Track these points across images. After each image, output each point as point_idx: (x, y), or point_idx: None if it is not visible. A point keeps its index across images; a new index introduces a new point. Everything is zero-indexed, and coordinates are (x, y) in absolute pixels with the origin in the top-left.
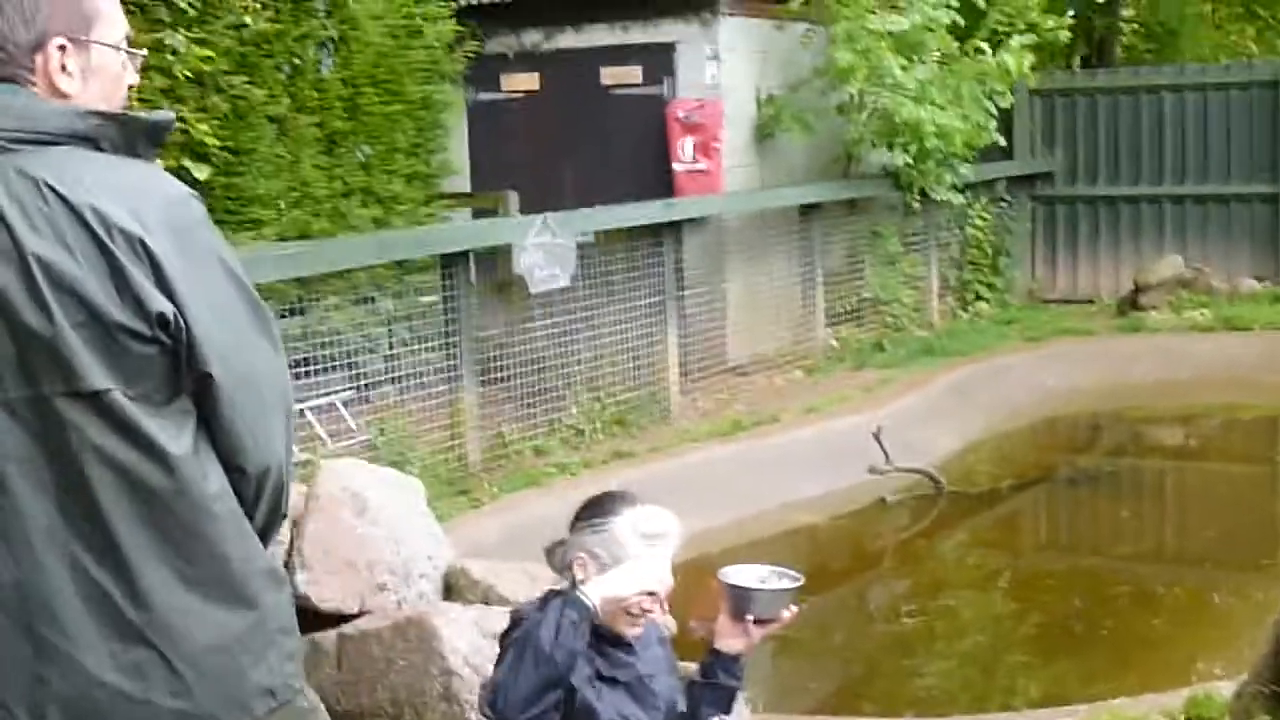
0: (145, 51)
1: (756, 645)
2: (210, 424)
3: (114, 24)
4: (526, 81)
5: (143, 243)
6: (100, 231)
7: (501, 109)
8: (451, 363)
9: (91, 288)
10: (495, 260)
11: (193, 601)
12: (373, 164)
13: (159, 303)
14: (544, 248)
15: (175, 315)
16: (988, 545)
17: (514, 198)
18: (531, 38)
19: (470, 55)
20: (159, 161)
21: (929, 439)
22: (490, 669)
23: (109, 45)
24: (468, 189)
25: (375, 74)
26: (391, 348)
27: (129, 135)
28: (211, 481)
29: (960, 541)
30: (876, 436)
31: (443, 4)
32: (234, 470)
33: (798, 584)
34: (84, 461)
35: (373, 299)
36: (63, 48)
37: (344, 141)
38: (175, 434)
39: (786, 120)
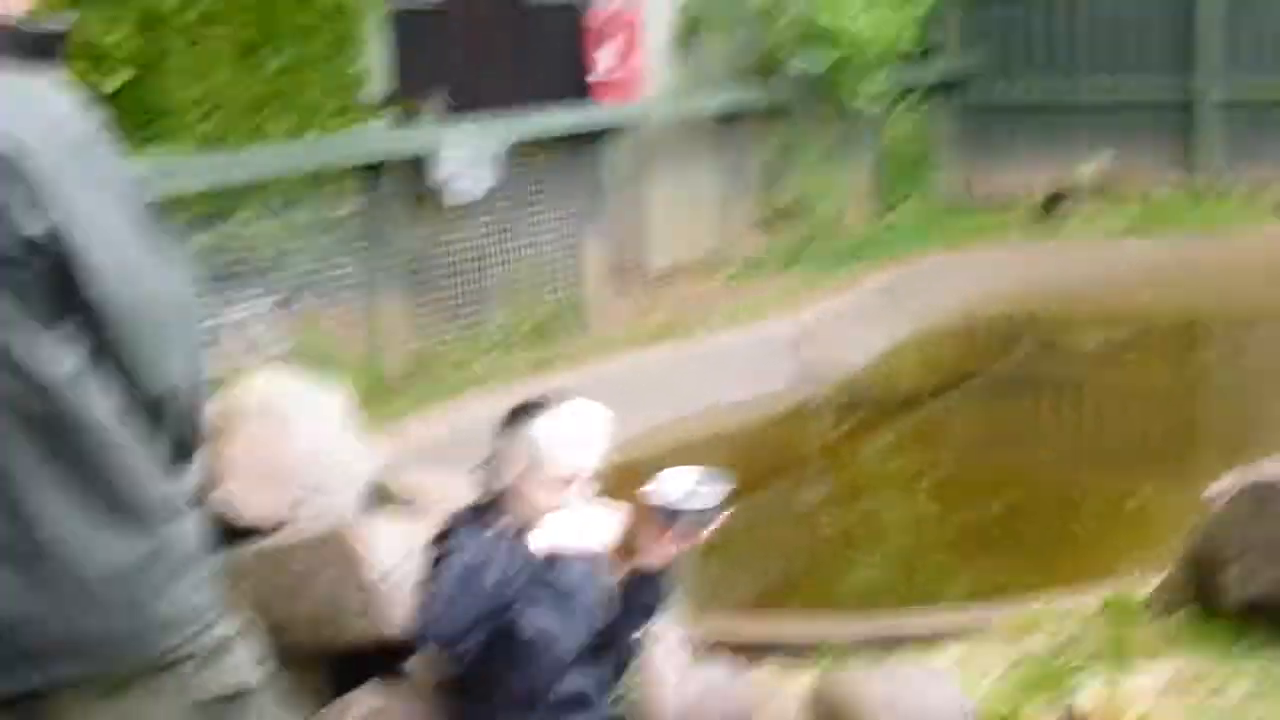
0: None
1: (681, 555)
2: (101, 348)
3: None
4: None
5: (17, 163)
6: None
7: (420, 18)
8: (371, 273)
9: None
10: (414, 169)
11: (84, 528)
12: (288, 72)
13: (33, 226)
14: (463, 157)
15: (53, 238)
16: (911, 448)
17: (433, 106)
18: None
19: None
20: (62, 72)
21: (852, 344)
22: (412, 580)
23: None
24: (386, 98)
25: None
26: (310, 259)
27: (20, 45)
28: (99, 406)
29: (884, 445)
30: (797, 341)
31: None
32: (129, 395)
33: (728, 489)
34: None
35: (290, 209)
36: None
37: (258, 50)
38: (56, 359)
39: (706, 26)
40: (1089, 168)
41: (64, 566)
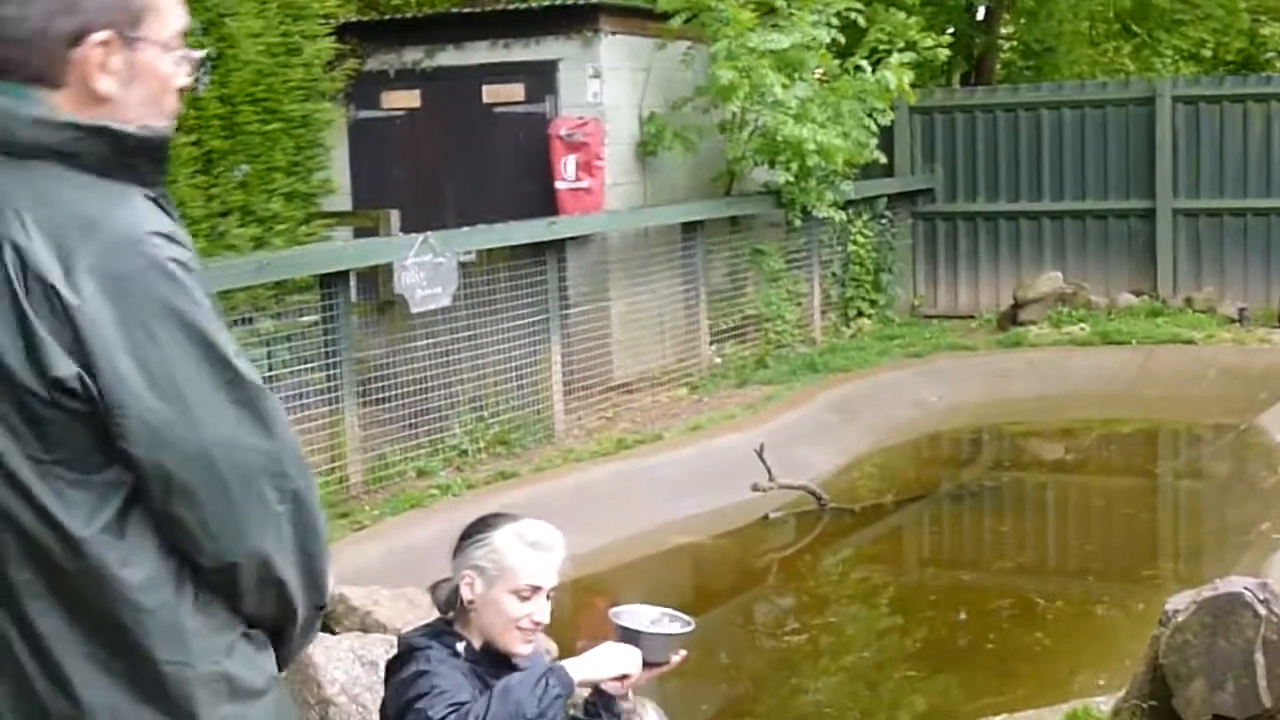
0: (203, 50)
1: (642, 685)
2: (146, 505)
3: (169, 16)
4: (407, 99)
5: (56, 291)
6: (14, 273)
7: (382, 127)
8: (332, 383)
9: (1, 340)
10: (376, 279)
11: (119, 698)
12: (251, 183)
13: (61, 366)
14: (424, 266)
15: (84, 382)
16: (871, 561)
17: (395, 216)
18: (412, 55)
19: (350, 73)
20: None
21: (812, 455)
22: (368, 698)
23: (159, 42)
24: (348, 207)
25: (253, 92)
26: (271, 369)
27: (124, 153)
28: (135, 569)
29: (844, 557)
30: (759, 453)
31: (322, 22)
32: (189, 562)
33: (688, 629)
34: None
35: (251, 319)
36: (105, 43)
37: (221, 160)
38: (87, 510)
39: (669, 138)
40: (1049, 280)
41: None
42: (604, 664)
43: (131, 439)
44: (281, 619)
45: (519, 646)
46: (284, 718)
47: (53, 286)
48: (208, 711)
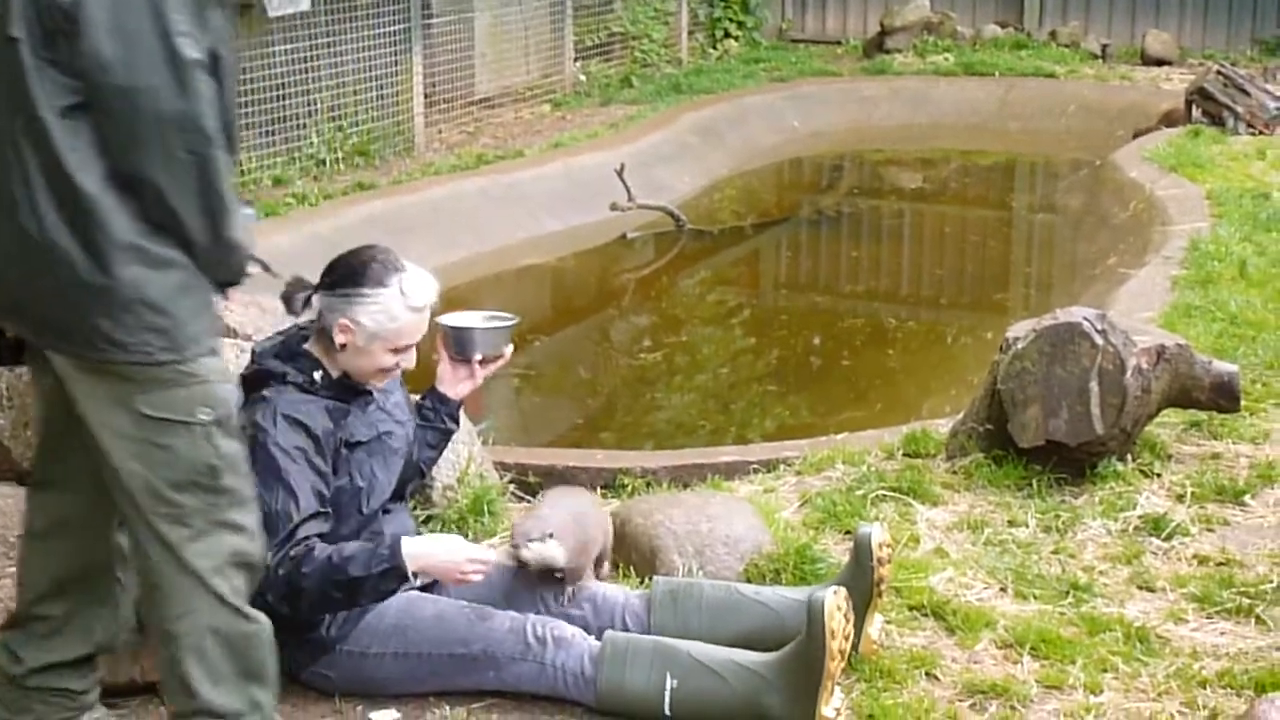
0: None
1: (479, 381)
2: (90, 109)
3: None
4: None
5: None
6: None
7: None
8: None
9: None
10: None
11: (65, 239)
12: None
13: None
14: None
15: (76, 6)
16: (728, 283)
17: None
18: None
19: None
20: None
21: (673, 177)
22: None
23: None
24: None
25: None
26: None
27: None
28: (79, 150)
29: (700, 279)
30: (620, 173)
31: None
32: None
33: (515, 320)
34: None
35: None
36: None
37: None
38: (56, 91)
39: None
40: (916, 8)
41: (47, 263)
42: (442, 552)
43: (89, 59)
44: (180, 240)
45: (376, 384)
46: (191, 287)
47: None
48: (123, 272)
